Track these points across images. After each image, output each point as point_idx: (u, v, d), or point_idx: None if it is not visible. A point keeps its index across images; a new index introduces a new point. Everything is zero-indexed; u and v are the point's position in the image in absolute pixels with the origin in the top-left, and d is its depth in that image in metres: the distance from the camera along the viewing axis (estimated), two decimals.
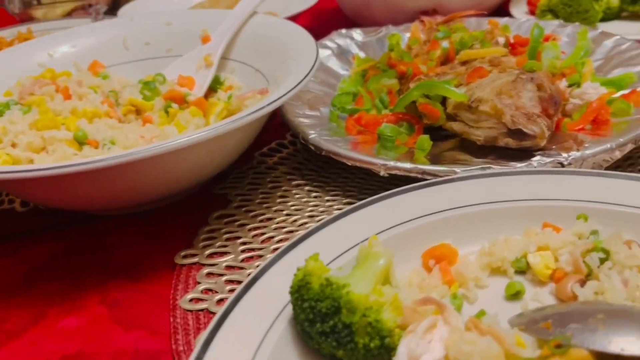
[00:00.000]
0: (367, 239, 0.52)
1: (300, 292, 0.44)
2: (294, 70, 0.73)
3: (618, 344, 0.38)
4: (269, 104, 0.62)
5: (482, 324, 0.43)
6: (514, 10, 1.14)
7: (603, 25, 1.08)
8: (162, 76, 0.87)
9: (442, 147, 0.72)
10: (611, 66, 0.84)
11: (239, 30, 0.92)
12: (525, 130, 0.62)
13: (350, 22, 1.26)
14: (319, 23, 1.40)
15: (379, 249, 0.50)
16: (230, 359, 0.43)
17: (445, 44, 0.84)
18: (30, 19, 1.48)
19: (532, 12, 1.11)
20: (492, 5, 1.18)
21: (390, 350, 0.43)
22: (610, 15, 1.09)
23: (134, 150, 0.53)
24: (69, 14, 1.51)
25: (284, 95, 0.64)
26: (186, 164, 0.65)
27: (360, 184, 0.72)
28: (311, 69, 0.69)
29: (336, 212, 0.57)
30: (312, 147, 0.72)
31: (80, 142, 0.69)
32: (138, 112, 0.81)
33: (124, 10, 1.32)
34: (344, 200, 0.70)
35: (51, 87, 0.79)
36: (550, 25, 0.99)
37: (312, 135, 0.72)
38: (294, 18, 1.21)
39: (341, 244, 0.53)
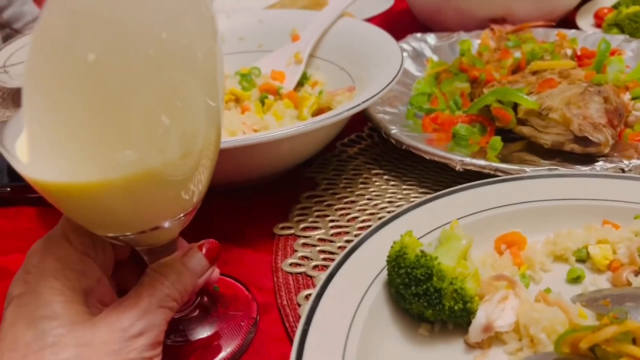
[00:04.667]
0: (449, 223, 0.61)
1: (398, 260, 0.54)
2: (380, 71, 0.82)
3: None
4: (361, 103, 0.72)
5: (550, 297, 0.51)
6: (580, 22, 1.20)
7: None
8: (258, 69, 0.98)
9: (511, 149, 0.80)
10: None
11: (326, 31, 1.02)
12: (591, 138, 0.70)
13: (421, 26, 1.34)
14: (392, 25, 1.48)
15: (459, 231, 0.59)
16: (335, 313, 0.53)
17: (517, 54, 0.92)
18: None
19: (598, 25, 1.17)
20: (560, 16, 1.24)
21: (470, 313, 0.52)
22: None
23: (259, 135, 0.64)
24: None
25: (374, 95, 0.73)
26: (285, 150, 0.75)
27: (435, 177, 0.81)
28: (398, 72, 0.78)
29: (423, 197, 0.66)
30: (393, 141, 0.81)
31: None
32: (237, 100, 0.92)
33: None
34: (420, 190, 0.79)
35: None
36: (616, 39, 1.05)
37: (394, 130, 0.82)
38: (369, 20, 1.30)
39: (427, 225, 0.63)
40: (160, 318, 0.44)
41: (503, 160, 0.75)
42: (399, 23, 1.46)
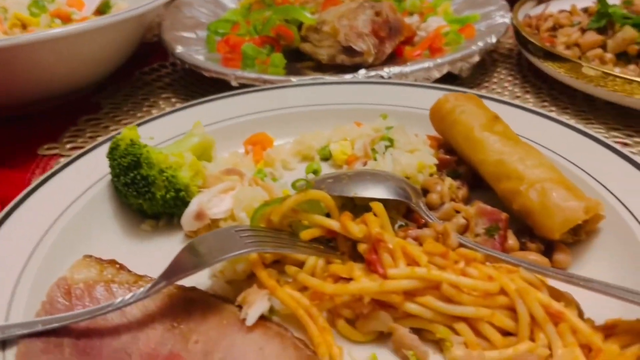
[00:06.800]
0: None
1: (112, 153, 0.52)
2: None
3: (352, 190, 0.47)
4: (130, 10, 0.69)
5: (259, 180, 0.51)
6: None
7: None
8: None
9: (300, 66, 0.80)
10: (466, 8, 0.93)
11: None
12: (354, 46, 0.71)
13: None
14: None
15: (199, 131, 0.58)
16: (49, 204, 0.51)
17: None
18: None
19: None
20: None
21: (186, 202, 0.51)
22: None
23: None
24: None
25: (149, 4, 0.71)
26: (56, 60, 0.70)
27: None
28: None
29: (177, 106, 0.65)
30: (178, 61, 0.79)
31: None
32: (24, 26, 0.86)
33: None
34: None
35: None
36: None
37: (179, 50, 0.79)
38: None
39: (176, 129, 0.61)
40: None
41: (290, 75, 0.75)
42: None
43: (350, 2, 0.79)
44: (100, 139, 0.59)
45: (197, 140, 0.56)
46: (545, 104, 0.75)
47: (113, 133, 0.59)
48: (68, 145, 0.71)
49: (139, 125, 0.61)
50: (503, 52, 0.90)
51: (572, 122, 0.60)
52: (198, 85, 0.83)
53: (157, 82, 0.86)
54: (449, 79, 0.75)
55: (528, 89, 0.79)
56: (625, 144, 0.66)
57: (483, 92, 0.78)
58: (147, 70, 0.90)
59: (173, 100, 0.81)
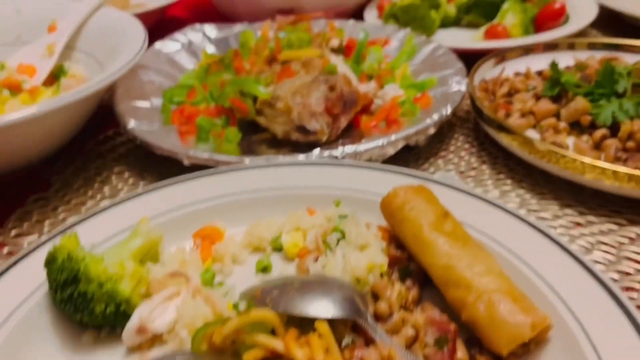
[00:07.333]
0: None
1: (49, 265, 0.50)
2: (117, 65, 0.77)
3: (297, 306, 0.46)
4: (72, 95, 0.67)
5: (202, 290, 0.50)
6: (367, 13, 1.23)
7: (442, 32, 1.19)
8: (2, 64, 0.89)
9: (256, 139, 0.79)
10: (423, 71, 0.93)
11: (87, 21, 0.96)
12: (307, 126, 0.70)
13: (222, 16, 1.31)
14: (193, 14, 1.44)
15: (144, 228, 0.56)
16: None
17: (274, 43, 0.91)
18: None
19: (381, 16, 1.20)
20: (351, 9, 1.26)
21: (127, 316, 0.49)
22: (449, 23, 1.19)
23: None
24: None
25: (97, 83, 0.69)
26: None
27: (176, 173, 0.78)
28: (123, 66, 0.74)
29: (120, 197, 0.63)
30: (130, 137, 0.77)
31: None
32: None
33: None
34: None
35: None
36: (387, 29, 1.08)
37: (131, 125, 0.77)
38: (172, 6, 1.25)
39: (119, 225, 0.59)
40: None
41: (245, 152, 0.74)
42: (202, 13, 1.42)
43: (305, 75, 0.78)
44: (42, 238, 0.57)
45: (140, 243, 0.54)
46: (501, 175, 0.75)
47: (54, 232, 0.57)
48: (13, 232, 0.68)
49: (80, 221, 0.59)
50: (461, 114, 0.91)
51: (522, 212, 0.60)
52: (152, 158, 0.81)
53: (111, 154, 0.84)
54: (405, 148, 0.74)
55: (484, 159, 0.79)
56: (578, 224, 0.66)
57: (439, 162, 0.79)
58: (102, 139, 0.88)
59: (126, 175, 0.79)
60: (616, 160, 0.71)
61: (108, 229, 0.58)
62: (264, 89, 0.77)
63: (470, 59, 0.95)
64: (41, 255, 0.54)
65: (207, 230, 0.60)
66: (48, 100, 0.65)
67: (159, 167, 0.80)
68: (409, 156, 0.80)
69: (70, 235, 0.52)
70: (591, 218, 0.66)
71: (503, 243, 0.55)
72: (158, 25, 1.25)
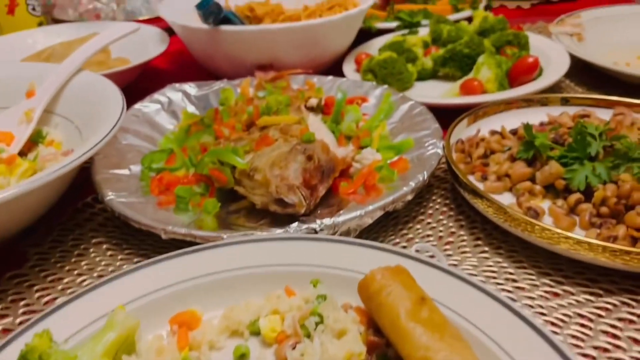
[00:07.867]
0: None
1: None
2: (97, 135, 0.77)
3: None
4: (51, 174, 0.67)
5: None
6: (345, 68, 1.24)
7: (419, 84, 1.21)
8: None
9: (235, 208, 0.78)
10: (401, 130, 0.94)
11: (65, 86, 0.96)
12: (285, 199, 0.70)
13: (202, 67, 1.32)
14: (177, 68, 1.45)
15: (119, 318, 0.55)
16: None
17: (252, 108, 0.92)
18: None
19: (359, 71, 1.22)
20: (328, 63, 1.28)
21: None
22: (426, 75, 1.22)
23: None
24: None
25: (64, 166, 0.68)
26: None
27: (155, 244, 0.78)
28: (102, 140, 0.74)
29: (88, 285, 0.62)
30: (108, 209, 0.76)
31: None
32: None
33: None
34: (135, 260, 0.75)
35: None
36: (365, 85, 1.09)
37: (109, 197, 0.77)
38: (151, 61, 1.26)
39: (94, 313, 0.58)
40: None
41: (222, 224, 0.74)
42: (187, 66, 1.43)
43: (283, 143, 0.79)
44: (12, 334, 0.56)
45: (114, 336, 0.54)
46: (479, 242, 0.76)
47: (25, 327, 0.56)
48: None
49: (53, 311, 0.58)
50: (439, 173, 0.92)
51: (499, 293, 0.60)
52: (132, 227, 0.81)
53: (89, 222, 0.84)
54: (384, 213, 0.74)
55: (462, 223, 0.80)
56: (555, 294, 0.66)
57: (418, 227, 0.79)
58: (80, 207, 0.87)
59: (105, 246, 0.78)
60: (591, 225, 0.72)
61: (82, 318, 0.57)
62: (242, 159, 0.77)
63: (447, 113, 0.97)
64: (13, 350, 0.53)
65: (184, 315, 0.60)
66: (25, 181, 0.65)
67: (138, 236, 0.79)
68: (388, 221, 0.80)
69: (42, 334, 0.51)
70: (568, 287, 0.67)
71: (480, 327, 0.55)
72: (138, 78, 1.26)
